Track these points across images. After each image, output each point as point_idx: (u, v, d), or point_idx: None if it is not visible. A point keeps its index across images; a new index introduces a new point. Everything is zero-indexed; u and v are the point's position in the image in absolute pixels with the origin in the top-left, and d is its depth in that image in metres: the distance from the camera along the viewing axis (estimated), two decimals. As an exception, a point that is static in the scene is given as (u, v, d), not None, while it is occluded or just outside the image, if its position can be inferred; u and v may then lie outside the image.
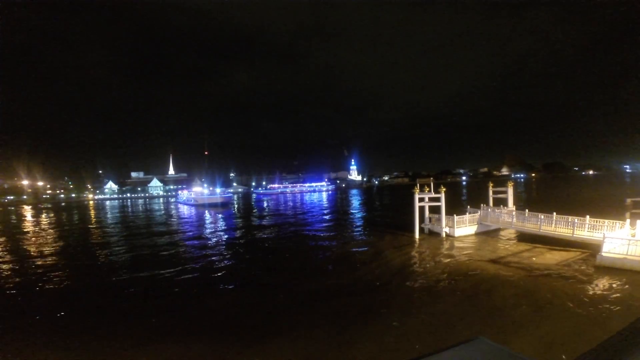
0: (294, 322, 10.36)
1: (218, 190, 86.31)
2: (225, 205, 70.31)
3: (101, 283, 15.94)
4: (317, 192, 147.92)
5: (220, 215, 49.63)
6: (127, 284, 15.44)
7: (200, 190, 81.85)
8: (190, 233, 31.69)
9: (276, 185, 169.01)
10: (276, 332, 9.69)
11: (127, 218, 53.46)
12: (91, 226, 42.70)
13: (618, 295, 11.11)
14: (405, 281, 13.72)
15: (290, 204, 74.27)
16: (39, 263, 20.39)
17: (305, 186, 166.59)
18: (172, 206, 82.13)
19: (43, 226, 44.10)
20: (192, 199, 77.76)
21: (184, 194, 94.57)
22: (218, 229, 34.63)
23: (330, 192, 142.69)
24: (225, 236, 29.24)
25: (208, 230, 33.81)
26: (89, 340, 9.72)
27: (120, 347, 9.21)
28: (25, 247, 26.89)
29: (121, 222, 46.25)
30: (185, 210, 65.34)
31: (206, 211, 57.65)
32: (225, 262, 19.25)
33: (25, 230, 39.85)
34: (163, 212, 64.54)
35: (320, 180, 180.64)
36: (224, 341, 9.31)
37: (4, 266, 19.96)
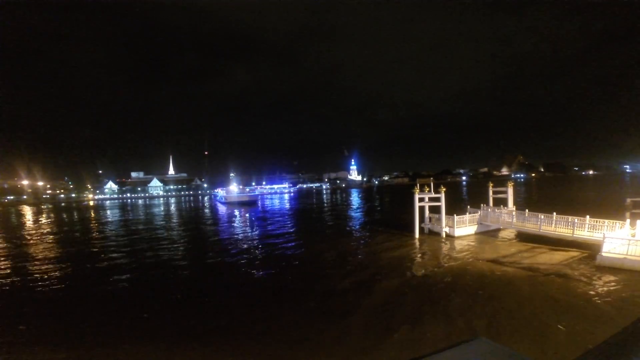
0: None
1: (247, 189, 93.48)
2: (252, 203, 74.75)
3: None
4: (278, 194, 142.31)
5: (247, 214, 50.04)
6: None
7: (231, 189, 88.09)
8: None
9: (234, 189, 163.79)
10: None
11: (197, 218, 50.88)
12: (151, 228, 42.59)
13: (618, 295, 11.10)
14: (406, 280, 13.73)
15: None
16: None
17: (265, 188, 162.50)
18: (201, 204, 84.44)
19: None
20: (223, 197, 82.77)
21: (219, 192, 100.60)
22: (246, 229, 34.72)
23: (291, 194, 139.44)
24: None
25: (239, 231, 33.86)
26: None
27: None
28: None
29: (193, 222, 44.49)
30: (223, 209, 65.28)
31: (235, 210, 59.16)
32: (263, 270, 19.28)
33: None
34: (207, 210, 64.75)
35: (281, 181, 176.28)
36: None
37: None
